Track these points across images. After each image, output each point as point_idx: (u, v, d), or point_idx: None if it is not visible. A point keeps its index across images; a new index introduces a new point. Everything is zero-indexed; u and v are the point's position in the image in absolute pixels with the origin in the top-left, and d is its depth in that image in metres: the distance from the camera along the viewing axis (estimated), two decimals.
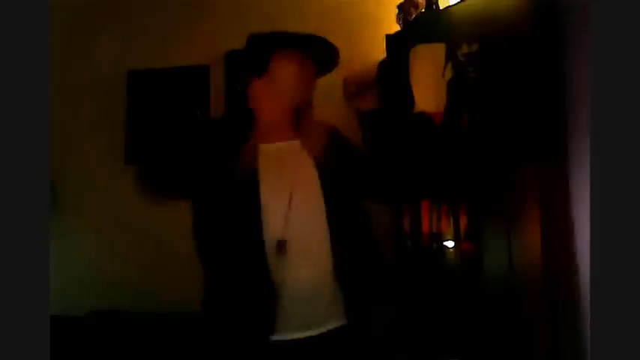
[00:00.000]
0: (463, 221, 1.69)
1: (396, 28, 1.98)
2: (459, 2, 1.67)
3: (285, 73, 1.30)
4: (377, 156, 1.36)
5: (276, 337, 1.19)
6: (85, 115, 2.55)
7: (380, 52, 1.94)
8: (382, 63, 1.99)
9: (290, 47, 1.30)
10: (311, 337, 1.21)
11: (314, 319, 1.22)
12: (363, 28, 2.08)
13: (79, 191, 2.52)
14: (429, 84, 1.79)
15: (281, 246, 1.19)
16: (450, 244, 1.73)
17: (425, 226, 1.80)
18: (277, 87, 1.30)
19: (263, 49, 1.31)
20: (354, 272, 1.25)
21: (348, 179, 1.30)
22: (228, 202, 1.23)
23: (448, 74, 1.70)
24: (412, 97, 1.49)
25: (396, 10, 1.98)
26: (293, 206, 1.21)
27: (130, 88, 2.50)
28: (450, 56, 1.70)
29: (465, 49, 1.65)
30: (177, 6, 2.51)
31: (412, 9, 1.91)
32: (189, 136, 1.42)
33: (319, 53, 1.32)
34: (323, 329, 1.22)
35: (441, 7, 1.80)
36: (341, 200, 1.27)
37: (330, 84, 1.41)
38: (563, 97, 1.42)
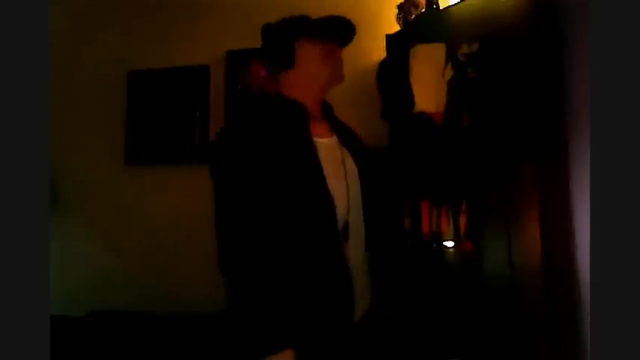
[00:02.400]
0: (463, 221, 1.69)
1: (396, 28, 1.98)
2: (459, 2, 1.67)
3: (312, 58, 1.32)
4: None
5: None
6: (85, 115, 2.56)
7: (380, 52, 1.95)
8: (382, 63, 2.00)
9: (311, 34, 1.32)
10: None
11: (363, 303, 1.27)
12: (363, 28, 2.08)
13: (79, 191, 2.52)
14: (429, 84, 1.79)
15: (346, 228, 1.23)
16: (449, 243, 1.73)
17: (425, 226, 1.79)
18: (307, 75, 1.33)
19: (287, 38, 1.32)
20: (385, 259, 1.34)
21: (375, 176, 1.39)
22: (300, 188, 1.22)
23: (448, 74, 1.70)
24: (412, 97, 1.49)
25: (396, 10, 1.98)
26: (350, 194, 1.26)
27: (130, 88, 2.50)
28: (450, 56, 1.70)
29: (465, 49, 1.65)
30: (178, 6, 2.51)
31: (412, 9, 1.91)
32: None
33: (339, 33, 1.35)
34: (361, 314, 1.26)
35: (441, 7, 1.80)
36: (374, 194, 1.34)
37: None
38: (563, 97, 1.42)
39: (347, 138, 1.39)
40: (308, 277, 1.19)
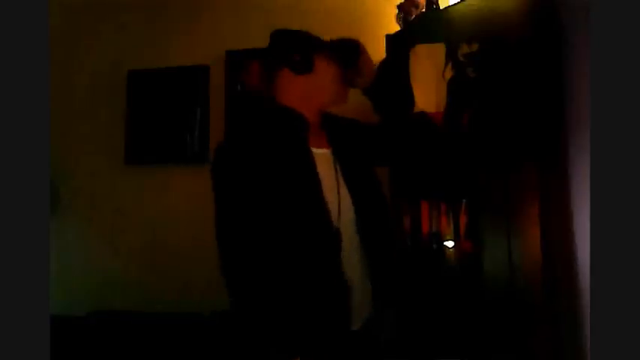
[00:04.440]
0: (463, 221, 1.70)
1: (396, 28, 1.98)
2: (458, 2, 1.67)
3: (329, 74, 1.33)
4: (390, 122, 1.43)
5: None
6: (84, 115, 2.55)
7: (380, 52, 1.95)
8: (382, 63, 1.99)
9: (330, 52, 1.34)
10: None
11: (362, 311, 1.26)
12: (363, 28, 2.09)
13: (79, 191, 2.52)
14: (429, 84, 1.79)
15: (337, 237, 1.22)
16: (449, 243, 1.73)
17: (425, 226, 1.80)
18: (319, 87, 1.33)
19: (308, 47, 1.32)
20: (381, 270, 1.31)
21: (371, 179, 1.37)
22: (297, 196, 1.22)
23: (448, 74, 1.70)
24: (412, 97, 1.49)
25: (396, 10, 1.98)
26: (341, 203, 1.25)
27: (129, 88, 2.50)
28: (450, 56, 1.70)
29: (465, 49, 1.65)
30: (177, 6, 2.51)
31: (412, 9, 1.91)
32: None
33: (353, 60, 1.36)
34: (361, 322, 1.26)
35: (441, 7, 1.80)
36: (369, 204, 1.32)
37: None
38: (563, 97, 1.42)
39: (344, 146, 1.37)
40: (304, 285, 1.20)
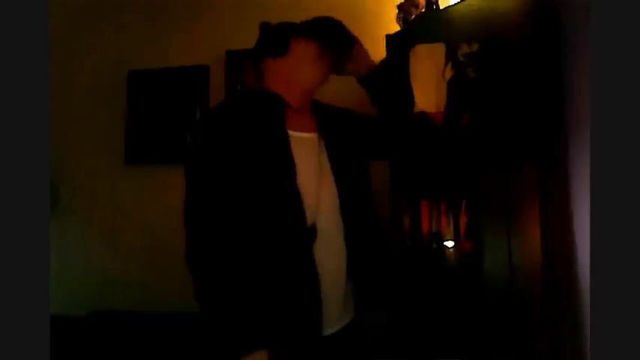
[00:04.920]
0: (463, 221, 1.70)
1: (396, 28, 1.98)
2: (458, 2, 1.67)
3: (306, 53, 1.32)
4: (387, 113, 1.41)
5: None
6: (84, 115, 2.55)
7: (380, 52, 1.94)
8: (382, 63, 1.99)
9: (307, 32, 1.34)
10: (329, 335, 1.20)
11: (336, 314, 1.21)
12: (363, 28, 2.08)
13: (79, 191, 2.52)
14: (429, 84, 1.79)
15: (312, 232, 1.18)
16: (449, 243, 1.73)
17: (425, 226, 1.80)
18: (297, 68, 1.32)
19: (284, 32, 1.33)
20: (366, 267, 1.27)
21: (361, 167, 1.35)
22: (269, 186, 1.18)
23: (448, 74, 1.71)
24: (412, 97, 1.49)
25: (396, 10, 1.98)
26: (321, 196, 1.21)
27: (129, 88, 2.50)
28: (450, 56, 1.70)
29: (465, 49, 1.65)
30: (177, 6, 2.50)
31: (412, 9, 1.91)
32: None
33: (332, 37, 1.35)
34: (339, 326, 1.22)
35: (441, 7, 1.80)
36: (354, 195, 1.28)
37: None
38: (563, 97, 1.42)
39: (334, 133, 1.33)
40: (273, 276, 1.15)
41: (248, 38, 1.46)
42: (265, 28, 1.37)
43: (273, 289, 1.15)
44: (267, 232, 1.16)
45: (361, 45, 1.40)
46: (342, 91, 1.51)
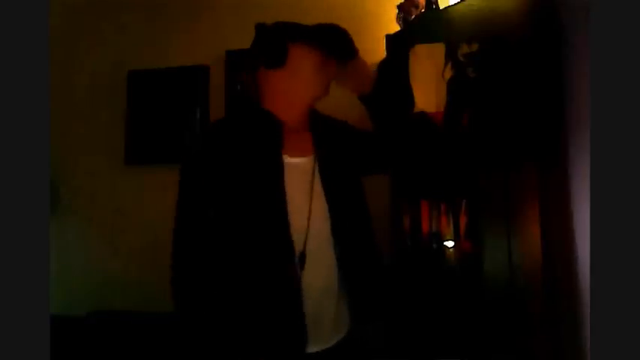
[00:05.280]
0: (463, 221, 1.70)
1: (396, 28, 1.98)
2: (458, 2, 1.67)
3: (306, 63, 1.23)
4: (385, 130, 1.35)
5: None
6: (85, 116, 2.55)
7: (380, 52, 1.94)
8: (382, 63, 2.00)
9: (308, 39, 1.24)
10: (317, 353, 1.19)
11: (324, 333, 1.20)
12: (363, 28, 2.08)
13: (79, 191, 2.52)
14: (429, 84, 1.79)
15: (302, 258, 1.16)
16: (449, 243, 1.73)
17: (425, 226, 1.80)
18: (296, 80, 1.23)
19: (281, 38, 1.23)
20: (360, 285, 1.25)
21: (354, 188, 1.30)
22: (257, 211, 1.18)
23: (448, 74, 1.71)
24: (412, 97, 1.49)
25: (396, 10, 1.98)
26: (311, 220, 1.19)
27: (129, 88, 2.50)
28: (450, 56, 1.70)
29: (465, 49, 1.65)
30: (177, 6, 2.50)
31: (412, 9, 1.91)
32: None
33: (336, 46, 1.27)
34: (329, 344, 1.21)
35: (441, 7, 1.80)
36: (347, 215, 1.25)
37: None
38: (563, 97, 1.42)
39: (330, 152, 1.28)
40: (255, 295, 1.17)
41: (248, 38, 1.46)
42: (261, 30, 1.27)
43: (254, 307, 1.17)
44: (254, 255, 1.17)
45: (364, 62, 1.32)
46: (343, 104, 1.46)
